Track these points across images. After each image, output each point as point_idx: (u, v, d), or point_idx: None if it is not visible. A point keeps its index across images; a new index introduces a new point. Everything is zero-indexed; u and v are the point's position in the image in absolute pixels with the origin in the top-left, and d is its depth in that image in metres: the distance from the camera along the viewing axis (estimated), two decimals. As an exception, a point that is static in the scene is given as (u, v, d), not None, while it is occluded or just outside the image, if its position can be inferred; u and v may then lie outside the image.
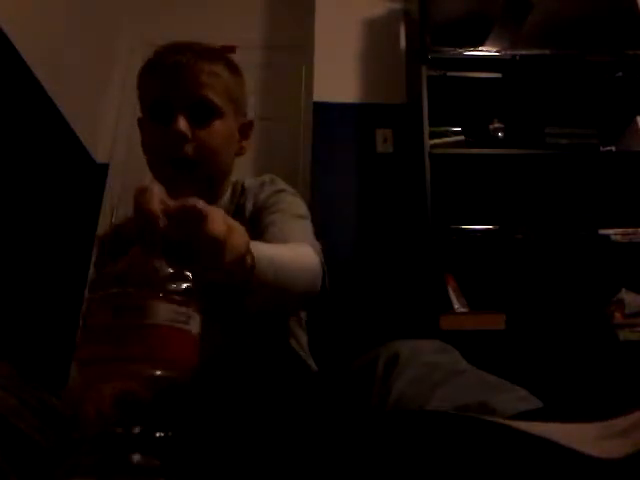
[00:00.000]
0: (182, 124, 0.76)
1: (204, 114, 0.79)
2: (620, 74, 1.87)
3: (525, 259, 1.82)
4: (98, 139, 2.49)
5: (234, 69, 0.85)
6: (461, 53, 1.89)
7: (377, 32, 2.31)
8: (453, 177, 1.89)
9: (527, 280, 1.86)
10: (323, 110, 2.16)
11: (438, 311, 1.58)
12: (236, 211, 0.84)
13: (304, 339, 0.91)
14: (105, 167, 2.48)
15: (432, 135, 1.79)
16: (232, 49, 2.74)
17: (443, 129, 1.94)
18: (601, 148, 1.95)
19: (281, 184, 0.90)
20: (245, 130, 0.90)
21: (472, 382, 0.51)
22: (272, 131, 2.55)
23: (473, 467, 0.34)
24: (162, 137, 0.78)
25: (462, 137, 1.94)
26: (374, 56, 2.27)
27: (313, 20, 2.31)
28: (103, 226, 2.39)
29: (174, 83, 0.78)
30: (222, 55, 0.85)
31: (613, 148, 1.95)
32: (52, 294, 2.08)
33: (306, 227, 0.83)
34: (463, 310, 1.69)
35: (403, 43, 2.29)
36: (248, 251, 0.53)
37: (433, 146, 1.77)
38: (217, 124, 0.81)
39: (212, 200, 0.83)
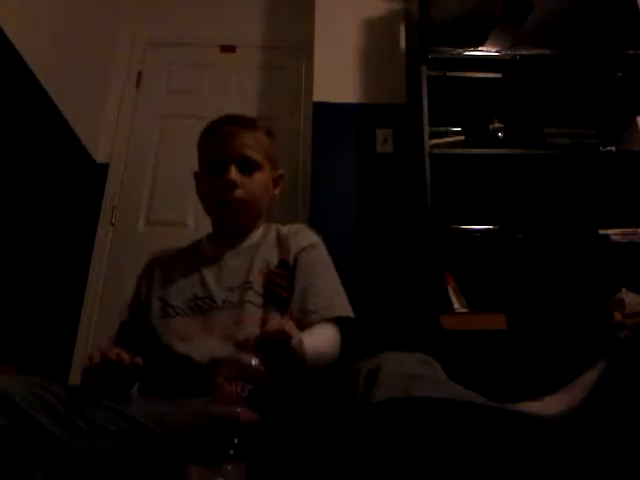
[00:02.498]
0: (234, 174, 1.03)
1: (249, 167, 1.06)
2: (620, 74, 1.87)
3: (525, 259, 1.82)
4: (98, 139, 2.49)
5: (270, 135, 1.14)
6: (461, 53, 1.89)
7: (377, 32, 2.31)
8: (453, 177, 1.89)
9: (527, 280, 1.86)
10: (323, 110, 2.16)
11: (438, 311, 1.58)
12: (282, 252, 1.06)
13: None
14: (105, 167, 2.48)
15: (432, 135, 1.79)
16: (232, 49, 2.75)
17: (443, 129, 1.94)
18: (601, 148, 1.95)
19: (311, 235, 1.13)
20: (277, 181, 1.16)
21: (449, 393, 0.56)
22: (272, 131, 2.55)
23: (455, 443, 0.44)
24: (218, 184, 1.04)
25: (462, 137, 1.94)
26: (374, 56, 2.27)
27: (313, 20, 2.31)
28: (103, 225, 2.40)
29: (228, 146, 1.05)
30: (262, 126, 1.13)
31: (613, 148, 1.95)
32: (52, 294, 2.08)
33: (331, 282, 1.07)
34: (463, 310, 1.69)
35: (403, 43, 2.29)
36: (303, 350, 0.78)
37: (433, 146, 1.77)
38: (258, 175, 1.07)
39: (247, 231, 1.10)
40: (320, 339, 0.93)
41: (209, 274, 1.03)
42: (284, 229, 1.12)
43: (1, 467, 0.61)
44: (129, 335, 1.06)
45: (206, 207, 1.11)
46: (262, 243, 1.08)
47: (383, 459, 0.49)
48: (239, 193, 1.03)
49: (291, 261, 1.04)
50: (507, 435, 0.41)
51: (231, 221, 1.08)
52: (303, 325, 0.92)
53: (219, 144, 1.06)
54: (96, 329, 2.24)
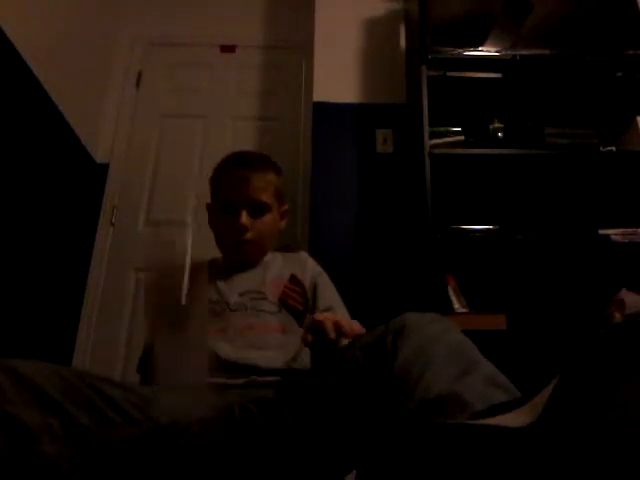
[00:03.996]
0: (245, 219, 1.09)
1: (259, 210, 1.12)
2: (620, 74, 1.87)
3: (525, 259, 1.82)
4: (98, 139, 2.49)
5: (278, 171, 1.20)
6: (461, 53, 1.89)
7: (377, 32, 2.31)
8: (453, 177, 1.89)
9: (527, 280, 1.86)
10: (323, 110, 2.16)
11: (438, 311, 1.57)
12: (293, 267, 1.16)
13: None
14: (105, 167, 2.48)
15: (432, 135, 1.79)
16: (232, 49, 2.75)
17: (443, 129, 1.94)
18: (601, 148, 1.95)
19: (316, 263, 1.22)
20: (283, 214, 1.23)
21: (458, 357, 0.63)
22: (272, 131, 2.55)
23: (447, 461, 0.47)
24: (230, 225, 1.11)
25: (462, 137, 1.94)
26: (374, 56, 2.27)
27: (313, 20, 2.31)
28: (103, 225, 2.40)
29: (239, 191, 1.11)
30: (272, 164, 1.20)
31: (613, 148, 1.95)
32: (52, 294, 2.08)
33: (342, 307, 1.15)
34: (463, 310, 1.69)
35: (403, 43, 2.29)
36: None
37: (433, 146, 1.77)
38: (267, 216, 1.13)
39: (257, 262, 1.16)
40: None
41: (222, 282, 1.11)
42: (290, 255, 1.23)
43: (27, 452, 0.62)
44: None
45: (218, 242, 1.18)
46: (271, 263, 1.17)
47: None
48: (249, 236, 1.10)
49: (308, 280, 1.13)
50: (476, 449, 0.45)
51: (242, 260, 1.15)
52: None
53: (231, 188, 1.12)
54: (96, 329, 2.24)
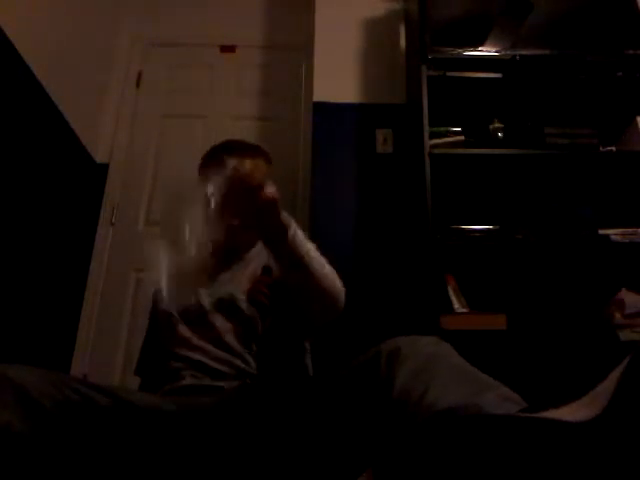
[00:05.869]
0: None
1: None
2: (620, 74, 1.87)
3: (525, 259, 1.82)
4: (98, 139, 2.49)
5: (268, 160, 1.18)
6: (461, 53, 1.89)
7: (377, 32, 2.31)
8: (453, 177, 1.89)
9: (527, 280, 1.86)
10: (323, 110, 2.16)
11: (438, 311, 1.58)
12: (265, 267, 1.08)
13: (310, 359, 1.15)
14: (105, 167, 2.48)
15: (432, 135, 1.79)
16: (232, 49, 2.75)
17: (443, 129, 1.94)
18: (601, 148, 1.94)
19: None
20: None
21: (463, 376, 0.61)
22: (272, 131, 2.55)
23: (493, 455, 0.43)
24: None
25: (462, 137, 1.94)
26: (374, 56, 2.27)
27: (313, 20, 2.31)
28: (103, 225, 2.40)
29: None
30: (262, 151, 1.18)
31: (613, 148, 1.95)
32: (52, 294, 2.08)
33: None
34: (463, 310, 1.69)
35: (403, 43, 2.29)
36: (293, 228, 0.89)
37: (433, 146, 1.77)
38: None
39: (246, 248, 1.16)
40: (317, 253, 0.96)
41: (203, 286, 1.09)
42: None
43: (16, 462, 0.62)
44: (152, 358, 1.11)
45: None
46: (255, 257, 1.15)
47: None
48: (236, 221, 1.07)
49: None
50: (538, 443, 0.41)
51: (229, 246, 1.13)
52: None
53: (220, 175, 1.09)
54: (96, 329, 2.24)
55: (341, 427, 0.66)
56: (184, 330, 1.02)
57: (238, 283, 1.08)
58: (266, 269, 1.08)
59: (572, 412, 0.42)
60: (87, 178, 2.38)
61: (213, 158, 1.13)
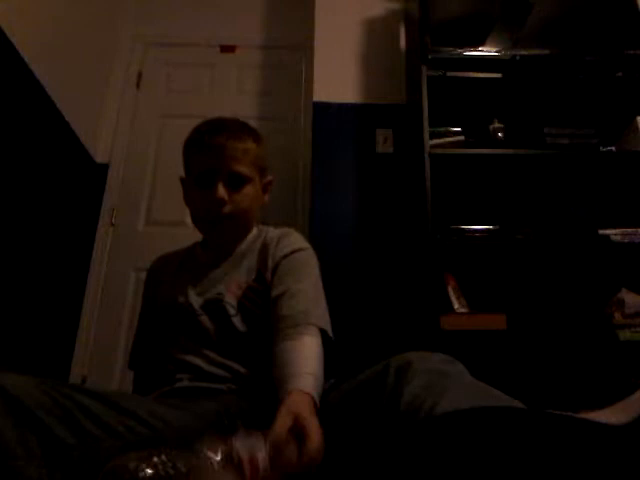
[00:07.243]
0: (221, 191, 0.98)
1: (237, 182, 1.00)
2: (620, 74, 1.87)
3: (525, 259, 1.82)
4: (98, 139, 2.49)
5: (259, 140, 1.08)
6: (461, 53, 1.89)
7: (377, 32, 2.31)
8: (453, 177, 1.89)
9: (527, 280, 1.86)
10: (323, 110, 2.16)
11: (438, 311, 1.58)
12: (260, 262, 1.03)
13: None
14: (105, 167, 2.48)
15: (432, 135, 1.79)
16: (232, 49, 2.75)
17: (443, 129, 1.94)
18: (601, 148, 1.95)
19: (295, 241, 1.06)
20: (266, 187, 1.11)
21: (477, 391, 0.59)
22: (272, 131, 2.55)
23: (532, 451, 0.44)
24: (206, 200, 0.99)
25: (462, 137, 1.94)
26: (374, 56, 2.27)
27: (313, 20, 2.31)
28: (103, 225, 2.40)
29: (215, 160, 0.99)
30: (250, 131, 1.08)
31: (613, 148, 1.95)
32: (52, 294, 2.08)
33: (311, 289, 0.98)
34: (463, 310, 1.69)
35: (403, 43, 2.29)
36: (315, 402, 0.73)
37: (433, 146, 1.77)
38: (247, 188, 1.02)
39: (239, 239, 1.07)
40: (307, 356, 0.83)
41: (191, 283, 1.03)
42: (273, 233, 1.08)
43: (8, 470, 0.61)
44: (144, 352, 1.10)
45: (194, 219, 1.06)
46: (248, 252, 1.06)
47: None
48: (227, 209, 0.99)
49: (269, 270, 1.00)
50: (580, 444, 0.42)
51: (220, 236, 1.05)
52: (277, 332, 0.88)
53: (205, 157, 1.00)
54: (96, 329, 2.24)
55: (347, 439, 0.65)
56: (206, 321, 0.97)
57: (229, 282, 1.00)
58: (259, 275, 1.01)
59: (607, 416, 0.44)
60: (87, 178, 2.38)
61: (200, 143, 1.02)
